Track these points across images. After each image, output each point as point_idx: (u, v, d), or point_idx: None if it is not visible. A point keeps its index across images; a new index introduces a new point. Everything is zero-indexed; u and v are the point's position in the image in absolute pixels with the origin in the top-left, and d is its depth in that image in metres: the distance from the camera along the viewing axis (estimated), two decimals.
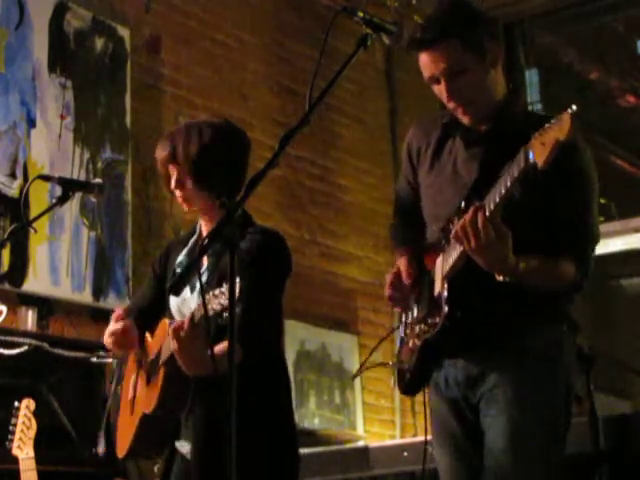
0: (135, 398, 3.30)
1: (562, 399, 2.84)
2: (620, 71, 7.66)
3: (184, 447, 3.19)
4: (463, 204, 2.77)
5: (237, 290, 2.46)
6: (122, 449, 3.30)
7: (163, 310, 3.29)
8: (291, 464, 3.12)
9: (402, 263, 3.01)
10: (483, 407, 2.85)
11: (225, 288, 2.71)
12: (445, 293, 2.82)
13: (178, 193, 3.23)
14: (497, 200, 2.63)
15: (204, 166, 3.15)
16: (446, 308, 2.80)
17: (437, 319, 2.83)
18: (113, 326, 3.26)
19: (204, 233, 3.30)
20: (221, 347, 2.94)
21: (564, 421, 2.84)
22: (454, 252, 2.79)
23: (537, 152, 2.51)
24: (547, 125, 2.49)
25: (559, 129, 2.47)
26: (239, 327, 2.56)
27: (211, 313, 2.79)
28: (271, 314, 3.15)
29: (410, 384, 3.03)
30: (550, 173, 2.58)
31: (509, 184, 2.60)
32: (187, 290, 3.25)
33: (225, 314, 2.77)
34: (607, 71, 7.73)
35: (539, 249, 2.78)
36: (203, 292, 2.81)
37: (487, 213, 2.64)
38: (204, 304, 2.73)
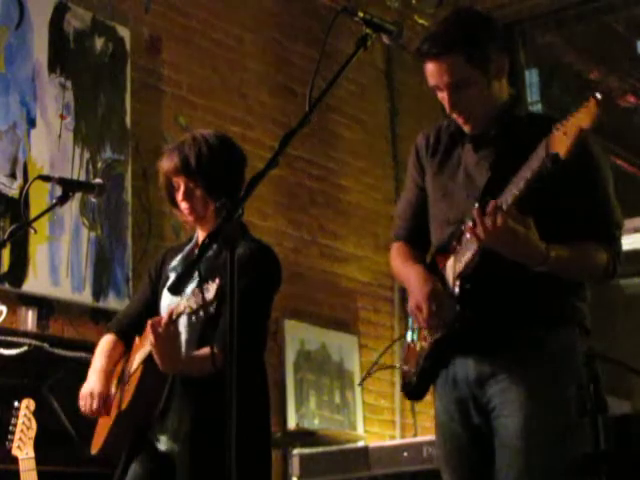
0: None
1: (575, 396, 2.83)
2: (620, 71, 7.65)
3: (163, 444, 3.22)
4: (477, 205, 2.75)
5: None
6: (96, 446, 3.43)
7: (156, 314, 3.32)
8: (266, 464, 3.21)
9: (427, 283, 2.87)
10: (496, 407, 2.83)
11: (205, 287, 2.79)
12: (457, 291, 2.81)
13: (185, 205, 3.27)
14: (516, 193, 2.63)
15: (215, 174, 3.25)
16: (457, 307, 2.80)
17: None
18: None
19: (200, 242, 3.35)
20: (203, 351, 3.01)
21: (579, 418, 2.82)
22: (468, 251, 2.79)
23: (558, 143, 2.49)
24: (570, 114, 2.48)
25: (584, 116, 2.45)
26: (223, 333, 2.63)
27: (188, 311, 2.87)
28: (259, 323, 3.19)
29: (416, 387, 3.02)
30: (564, 165, 2.56)
31: (529, 177, 2.60)
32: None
33: (212, 308, 2.86)
34: (607, 71, 7.72)
35: (565, 241, 2.78)
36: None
37: (504, 207, 2.64)
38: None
